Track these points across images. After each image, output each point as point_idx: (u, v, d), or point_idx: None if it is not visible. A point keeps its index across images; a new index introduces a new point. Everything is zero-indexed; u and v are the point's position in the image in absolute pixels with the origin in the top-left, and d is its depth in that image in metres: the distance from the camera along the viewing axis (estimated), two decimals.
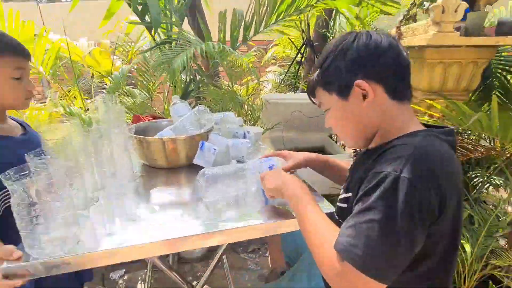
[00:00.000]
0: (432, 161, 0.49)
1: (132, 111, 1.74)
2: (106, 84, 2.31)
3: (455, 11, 1.00)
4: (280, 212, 0.75)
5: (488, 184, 1.67)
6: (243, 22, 1.77)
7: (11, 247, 0.56)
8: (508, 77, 1.40)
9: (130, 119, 1.59)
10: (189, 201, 0.83)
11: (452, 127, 0.59)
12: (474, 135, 1.69)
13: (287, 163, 0.85)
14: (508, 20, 1.16)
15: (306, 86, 2.41)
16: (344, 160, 0.92)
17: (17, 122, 0.92)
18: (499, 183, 1.66)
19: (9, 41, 0.78)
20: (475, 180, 1.67)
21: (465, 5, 1.00)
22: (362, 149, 0.70)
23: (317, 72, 0.62)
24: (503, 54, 1.45)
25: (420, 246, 0.51)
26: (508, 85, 1.38)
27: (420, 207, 0.46)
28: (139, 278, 1.62)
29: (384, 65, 0.56)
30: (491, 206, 1.51)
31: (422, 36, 1.14)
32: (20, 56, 0.79)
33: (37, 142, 0.90)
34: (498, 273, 1.16)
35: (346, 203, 0.62)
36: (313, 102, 0.69)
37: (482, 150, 1.71)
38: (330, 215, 0.73)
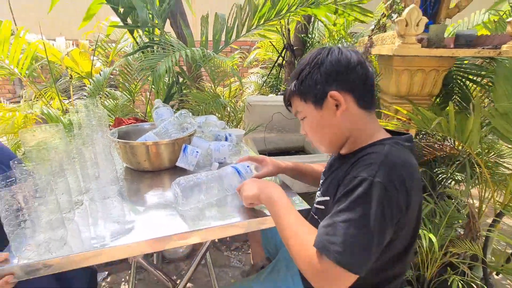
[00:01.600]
0: (400, 167, 0.56)
1: (114, 113, 1.73)
2: (85, 85, 2.27)
3: (417, 25, 1.10)
4: (259, 211, 0.81)
5: (451, 180, 1.82)
6: (225, 26, 1.82)
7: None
8: (467, 83, 1.54)
9: (112, 122, 1.59)
10: (173, 202, 0.87)
11: (410, 133, 0.67)
12: (439, 136, 1.85)
13: (260, 167, 0.91)
14: (465, 33, 1.28)
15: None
16: (318, 163, 0.99)
17: None
18: (460, 179, 1.83)
19: None
20: (440, 176, 1.83)
21: (425, 19, 1.11)
22: (334, 154, 0.77)
23: (294, 82, 0.67)
24: (465, 62, 1.60)
25: (388, 240, 0.57)
26: (467, 90, 1.53)
27: (391, 207, 0.53)
28: (122, 279, 1.63)
29: (354, 78, 0.62)
30: (452, 200, 1.65)
31: (389, 46, 1.24)
32: None
33: (3, 155, 0.85)
34: (456, 260, 1.29)
35: (324, 205, 0.68)
36: (289, 110, 0.74)
37: (446, 149, 1.87)
38: (306, 212, 0.80)
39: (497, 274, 1.59)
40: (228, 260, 1.78)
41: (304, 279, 0.78)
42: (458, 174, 1.79)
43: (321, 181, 0.81)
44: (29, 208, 0.57)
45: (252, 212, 0.80)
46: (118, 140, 0.99)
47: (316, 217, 0.73)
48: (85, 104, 1.10)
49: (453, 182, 1.89)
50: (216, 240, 1.95)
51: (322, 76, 0.62)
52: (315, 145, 0.73)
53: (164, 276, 1.04)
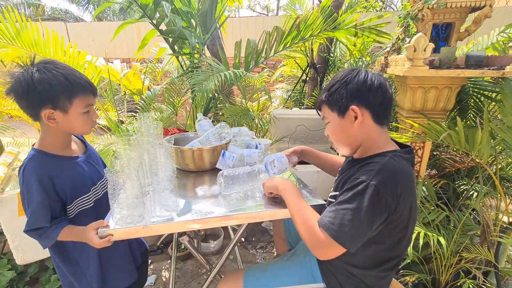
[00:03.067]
0: (393, 174, 0.72)
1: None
2: (133, 100, 2.65)
3: (424, 50, 1.26)
4: (279, 204, 1.00)
5: (473, 191, 1.87)
6: (255, 50, 2.08)
7: (101, 220, 0.84)
8: (482, 99, 1.63)
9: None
10: (212, 195, 1.09)
11: (411, 146, 0.84)
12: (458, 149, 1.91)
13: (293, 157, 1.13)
14: (474, 54, 1.40)
15: (310, 102, 2.70)
16: (336, 156, 1.18)
17: (78, 138, 1.08)
18: (486, 191, 1.86)
19: (81, 82, 0.86)
20: (461, 187, 1.89)
21: (432, 45, 1.26)
22: (348, 158, 0.95)
23: (325, 93, 0.83)
24: (480, 79, 1.69)
25: (378, 229, 0.74)
26: (481, 105, 1.61)
27: (379, 204, 0.70)
28: (163, 267, 1.88)
29: (373, 98, 0.77)
30: (473, 211, 1.70)
31: (400, 68, 1.40)
32: (89, 95, 0.89)
33: (96, 155, 1.11)
34: (470, 265, 1.36)
35: (334, 199, 0.85)
36: (319, 114, 0.90)
37: (467, 161, 1.94)
38: (320, 207, 0.98)
39: None
40: (254, 257, 1.96)
41: (320, 262, 0.95)
42: (483, 187, 1.84)
43: (335, 178, 0.99)
44: (125, 189, 0.82)
45: (278, 205, 0.99)
46: (173, 146, 1.26)
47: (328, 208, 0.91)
48: (142, 118, 1.39)
49: (476, 194, 1.92)
50: (243, 240, 2.14)
51: (348, 92, 0.78)
52: (334, 145, 0.90)
53: (202, 258, 1.26)
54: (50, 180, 0.87)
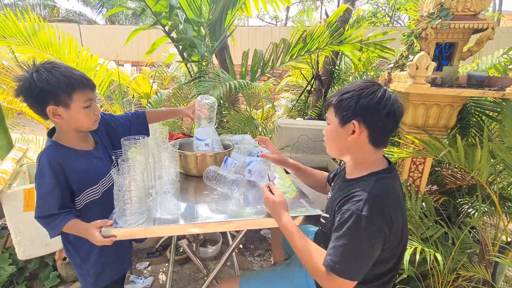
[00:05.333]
0: (380, 200, 0.74)
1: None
2: (140, 103, 2.71)
3: (426, 68, 1.29)
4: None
5: (473, 210, 1.86)
6: (262, 60, 2.13)
7: (106, 219, 0.88)
8: (483, 117, 1.65)
9: None
10: (214, 200, 1.12)
11: (393, 164, 0.86)
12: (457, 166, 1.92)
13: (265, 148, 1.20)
14: (475, 74, 1.43)
15: (314, 113, 2.73)
16: (319, 171, 1.20)
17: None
18: (483, 210, 1.86)
19: (78, 78, 0.91)
20: (463, 206, 1.89)
21: (433, 64, 1.29)
22: (341, 173, 0.97)
23: (336, 97, 0.82)
24: (482, 98, 1.71)
25: (377, 255, 0.76)
26: (483, 124, 1.63)
27: (375, 232, 0.72)
28: (160, 270, 1.89)
29: (378, 121, 0.77)
30: (472, 229, 1.69)
31: (403, 84, 1.43)
32: (88, 89, 0.94)
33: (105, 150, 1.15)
34: (467, 284, 1.35)
35: (325, 220, 0.89)
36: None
37: (468, 179, 1.94)
38: (316, 217, 0.99)
39: None
40: (251, 264, 1.96)
41: None
42: (482, 205, 1.83)
43: (328, 197, 1.01)
44: (130, 190, 0.85)
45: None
46: (178, 150, 1.29)
47: (320, 227, 0.94)
48: None
49: (475, 212, 1.92)
50: (241, 247, 2.15)
51: (357, 106, 0.77)
52: (325, 144, 0.92)
53: (200, 262, 1.28)
54: (62, 169, 0.93)
